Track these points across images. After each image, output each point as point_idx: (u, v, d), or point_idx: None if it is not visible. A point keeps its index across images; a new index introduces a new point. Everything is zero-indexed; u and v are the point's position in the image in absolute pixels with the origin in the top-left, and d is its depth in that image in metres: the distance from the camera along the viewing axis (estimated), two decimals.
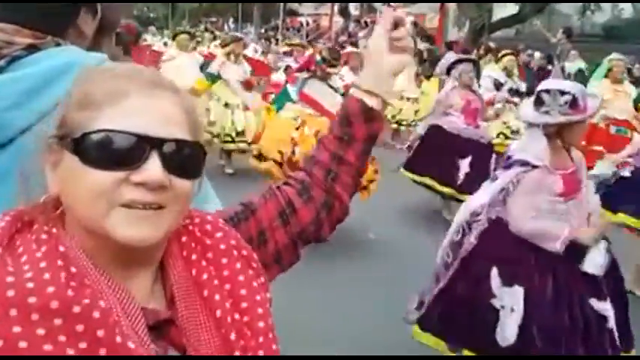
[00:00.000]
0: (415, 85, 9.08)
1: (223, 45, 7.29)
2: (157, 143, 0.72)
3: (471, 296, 2.73)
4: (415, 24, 18.27)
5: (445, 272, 2.83)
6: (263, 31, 20.49)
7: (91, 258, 0.74)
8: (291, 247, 1.00)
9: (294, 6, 24.34)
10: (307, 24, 22.08)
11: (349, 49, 9.39)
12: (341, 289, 4.04)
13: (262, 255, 0.93)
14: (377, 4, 17.38)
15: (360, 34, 17.63)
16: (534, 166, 2.62)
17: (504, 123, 7.24)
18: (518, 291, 2.61)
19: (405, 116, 8.85)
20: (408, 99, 8.78)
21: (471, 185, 4.08)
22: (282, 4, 19.45)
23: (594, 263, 2.52)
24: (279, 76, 8.17)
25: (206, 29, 18.47)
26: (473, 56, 7.57)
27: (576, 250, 2.55)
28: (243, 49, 7.70)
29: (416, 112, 8.81)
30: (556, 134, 2.62)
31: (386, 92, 1.05)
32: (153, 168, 0.71)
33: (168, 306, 0.80)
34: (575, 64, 10.03)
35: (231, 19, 27.61)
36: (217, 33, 16.24)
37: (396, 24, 1.05)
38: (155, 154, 0.72)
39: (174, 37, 8.79)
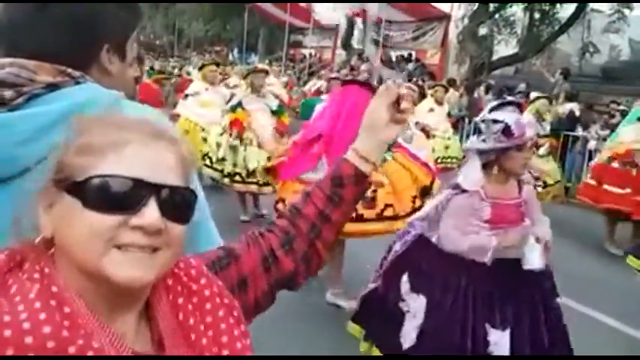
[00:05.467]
0: (449, 126, 8.72)
1: (244, 76, 6.73)
2: (154, 189, 0.76)
3: (385, 297, 2.98)
4: (417, 60, 18.59)
5: (379, 271, 3.11)
6: (267, 61, 20.77)
7: (82, 298, 0.75)
8: (269, 294, 1.03)
9: (299, 38, 24.70)
10: (310, 56, 22.38)
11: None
12: (334, 318, 4.08)
13: (242, 302, 0.95)
14: (379, 40, 17.69)
15: (362, 67, 17.87)
16: (464, 191, 2.78)
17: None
18: (422, 300, 2.81)
19: (438, 153, 8.24)
20: (436, 136, 8.24)
21: None
22: (286, 36, 19.76)
23: (532, 259, 2.65)
24: (277, 89, 6.88)
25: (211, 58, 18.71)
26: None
27: (496, 267, 2.70)
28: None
29: (446, 147, 8.50)
30: (495, 162, 2.76)
31: (378, 160, 1.10)
32: (151, 213, 0.74)
33: (154, 348, 0.81)
34: (567, 105, 10.13)
35: (235, 49, 27.97)
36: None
37: (399, 99, 1.10)
38: (153, 199, 0.75)
39: (200, 69, 8.09)
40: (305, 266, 1.06)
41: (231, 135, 6.16)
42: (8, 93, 0.97)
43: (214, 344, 0.82)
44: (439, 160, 8.13)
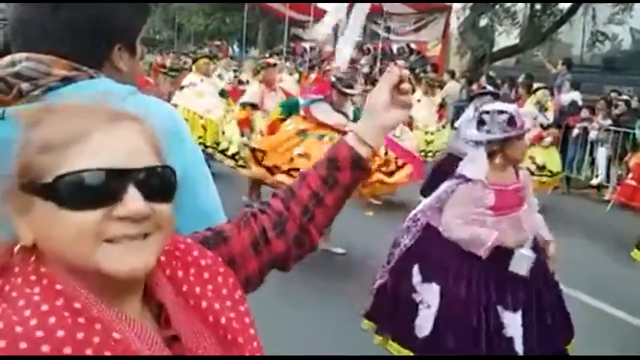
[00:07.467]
0: (435, 120, 9.09)
1: (256, 72, 7.04)
2: (130, 175, 0.72)
3: (397, 290, 3.04)
4: (418, 52, 18.51)
5: (385, 267, 3.14)
6: (267, 55, 20.72)
7: (88, 290, 0.73)
8: (259, 275, 1.03)
9: (299, 31, 24.61)
10: (311, 49, 22.30)
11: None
12: (302, 297, 4.18)
13: None
14: (380, 32, 17.63)
15: (362, 60, 17.80)
16: (468, 180, 2.87)
17: (530, 158, 6.95)
18: (435, 288, 2.88)
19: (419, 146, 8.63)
20: (426, 132, 8.71)
21: None
22: (286, 29, 19.66)
23: (519, 265, 2.78)
24: (290, 85, 7.29)
25: (210, 52, 18.63)
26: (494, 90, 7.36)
27: (503, 255, 2.80)
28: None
29: (428, 142, 8.85)
30: (499, 151, 2.88)
31: (378, 145, 1.08)
32: (133, 200, 0.71)
33: (161, 327, 0.80)
34: (569, 95, 10.12)
35: (235, 43, 27.88)
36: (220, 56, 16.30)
37: (400, 81, 1.07)
38: (132, 185, 0.72)
39: (194, 62, 8.64)
40: (297, 249, 1.05)
41: (243, 135, 6.32)
42: (25, 85, 1.01)
43: (221, 311, 0.84)
44: (419, 152, 8.35)
